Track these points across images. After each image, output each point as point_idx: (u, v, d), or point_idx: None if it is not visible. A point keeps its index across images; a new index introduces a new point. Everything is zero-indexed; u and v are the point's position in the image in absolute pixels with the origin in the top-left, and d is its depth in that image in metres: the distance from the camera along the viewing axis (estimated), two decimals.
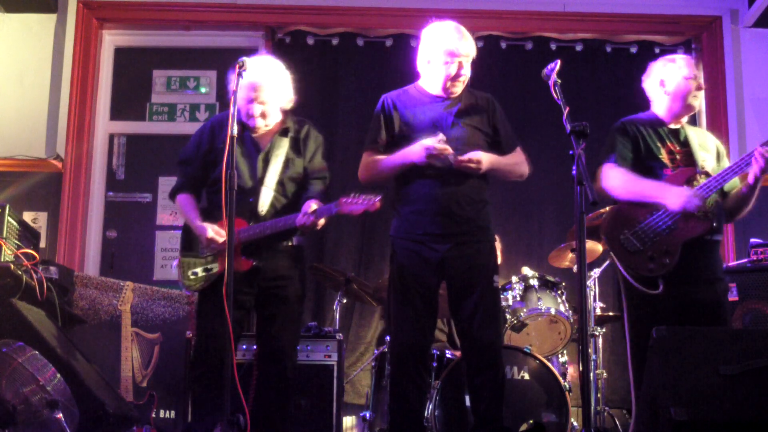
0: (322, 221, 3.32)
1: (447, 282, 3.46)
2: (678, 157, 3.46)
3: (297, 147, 3.57)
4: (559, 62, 3.01)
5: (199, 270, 3.50)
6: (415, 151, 3.34)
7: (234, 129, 3.07)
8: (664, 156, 3.46)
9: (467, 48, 3.45)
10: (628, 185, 3.41)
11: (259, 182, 3.47)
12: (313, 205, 3.32)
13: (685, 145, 3.50)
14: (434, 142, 3.30)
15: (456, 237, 3.39)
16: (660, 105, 3.58)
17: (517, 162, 3.56)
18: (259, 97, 3.45)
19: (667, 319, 3.17)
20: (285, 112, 3.60)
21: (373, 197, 3.26)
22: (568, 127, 2.82)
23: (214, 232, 3.40)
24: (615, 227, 3.44)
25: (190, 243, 3.56)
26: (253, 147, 3.52)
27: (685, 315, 3.30)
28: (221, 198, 3.48)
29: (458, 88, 3.49)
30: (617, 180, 3.43)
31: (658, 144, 3.48)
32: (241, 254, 3.38)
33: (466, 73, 3.47)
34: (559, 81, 3.00)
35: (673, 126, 3.55)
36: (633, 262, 3.34)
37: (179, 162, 3.69)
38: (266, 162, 3.49)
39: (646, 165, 3.46)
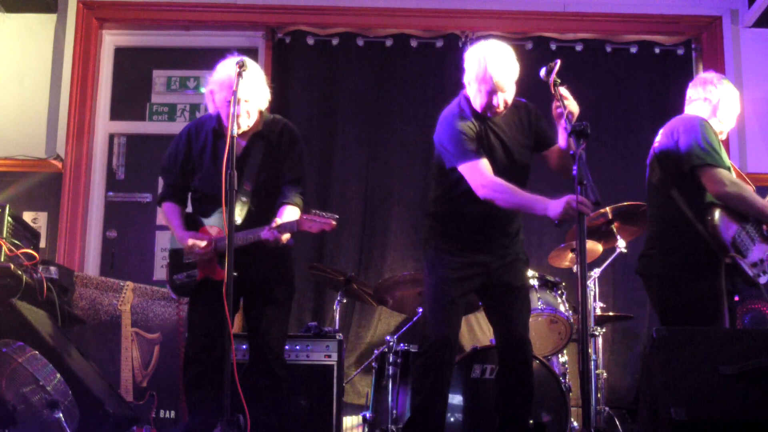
0: (287, 236, 3.26)
1: (489, 287, 3.49)
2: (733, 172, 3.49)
3: (271, 150, 3.50)
4: (559, 62, 3.01)
5: (183, 275, 3.50)
6: (556, 209, 3.07)
7: (234, 129, 3.07)
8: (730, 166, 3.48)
9: (507, 76, 3.35)
10: (746, 193, 3.37)
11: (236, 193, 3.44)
12: (277, 220, 3.27)
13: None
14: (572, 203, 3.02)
15: (503, 250, 3.46)
16: (712, 113, 3.58)
17: None
18: (251, 100, 3.38)
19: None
20: (260, 113, 3.52)
21: (330, 219, 3.22)
22: (569, 127, 2.82)
23: (194, 239, 3.40)
24: (729, 228, 3.36)
25: (178, 250, 3.57)
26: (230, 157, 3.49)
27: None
28: (202, 205, 3.51)
29: (499, 112, 3.41)
30: (732, 187, 3.36)
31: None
32: (217, 263, 3.38)
33: (505, 100, 3.37)
34: (559, 80, 2.99)
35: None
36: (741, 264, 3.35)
37: (161, 170, 3.69)
38: (241, 169, 3.38)
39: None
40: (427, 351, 3.39)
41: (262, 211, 3.41)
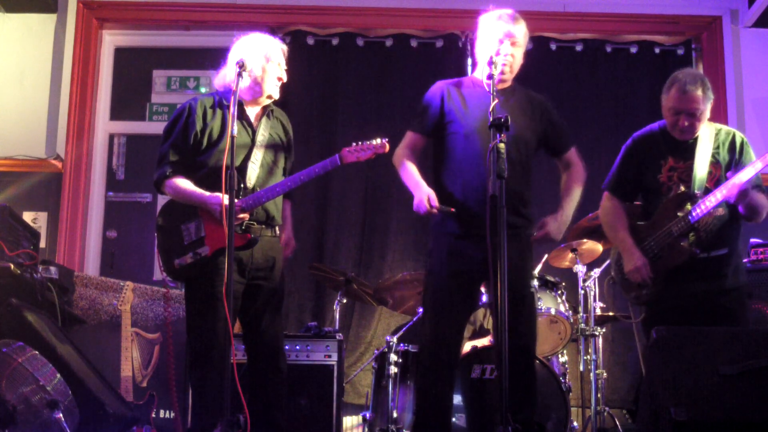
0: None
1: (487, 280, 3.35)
2: (676, 174, 3.44)
3: (279, 125, 3.63)
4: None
5: (187, 257, 3.36)
6: (417, 196, 3.24)
7: (234, 129, 3.06)
8: (663, 176, 3.47)
9: (516, 31, 3.31)
10: (608, 229, 3.63)
11: (246, 158, 3.43)
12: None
13: (689, 158, 3.43)
14: (428, 202, 3.18)
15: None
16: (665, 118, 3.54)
17: (579, 177, 3.53)
18: (282, 64, 3.57)
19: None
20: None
21: (380, 141, 3.32)
22: (491, 119, 2.86)
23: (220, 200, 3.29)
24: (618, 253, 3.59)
25: (169, 235, 3.41)
26: (248, 124, 3.51)
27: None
28: (210, 178, 3.34)
29: (505, 75, 3.33)
30: (605, 217, 3.65)
31: (660, 162, 3.48)
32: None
33: (510, 53, 3.31)
34: (495, 74, 3.02)
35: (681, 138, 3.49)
36: (624, 286, 3.56)
37: (169, 147, 3.44)
38: (254, 139, 3.47)
39: (645, 186, 3.52)
40: (425, 353, 3.37)
41: (273, 176, 3.49)
